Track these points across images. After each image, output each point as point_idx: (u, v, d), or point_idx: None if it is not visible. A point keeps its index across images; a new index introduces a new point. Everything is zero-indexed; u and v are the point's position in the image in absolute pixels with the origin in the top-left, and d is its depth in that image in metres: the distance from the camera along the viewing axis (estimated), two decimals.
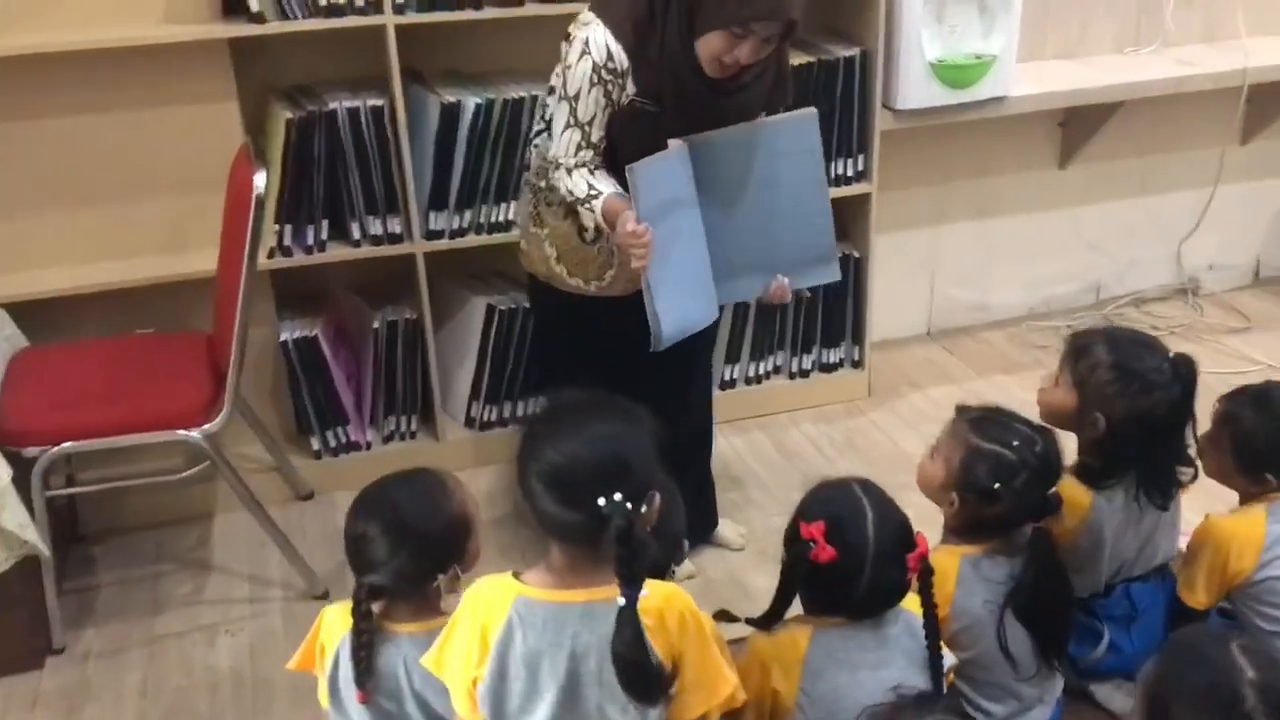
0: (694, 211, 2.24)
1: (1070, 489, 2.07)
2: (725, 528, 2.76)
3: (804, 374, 3.33)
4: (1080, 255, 3.86)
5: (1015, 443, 1.94)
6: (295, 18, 2.58)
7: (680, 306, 2.22)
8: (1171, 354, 2.10)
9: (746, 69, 2.15)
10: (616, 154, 2.24)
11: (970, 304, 3.78)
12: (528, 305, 2.96)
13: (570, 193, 2.24)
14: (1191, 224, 3.88)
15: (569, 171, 2.24)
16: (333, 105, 2.68)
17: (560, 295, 2.44)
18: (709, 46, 2.09)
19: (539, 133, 2.40)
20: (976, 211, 3.66)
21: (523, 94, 2.78)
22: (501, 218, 2.89)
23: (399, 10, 2.63)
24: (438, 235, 2.86)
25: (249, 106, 2.75)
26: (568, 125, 2.22)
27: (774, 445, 3.17)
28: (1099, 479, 2.10)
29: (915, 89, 3.00)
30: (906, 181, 3.44)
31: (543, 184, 2.36)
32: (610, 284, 2.38)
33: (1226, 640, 1.50)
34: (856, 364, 3.36)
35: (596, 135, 2.22)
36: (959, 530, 2.02)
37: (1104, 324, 2.20)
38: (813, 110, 2.27)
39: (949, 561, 1.97)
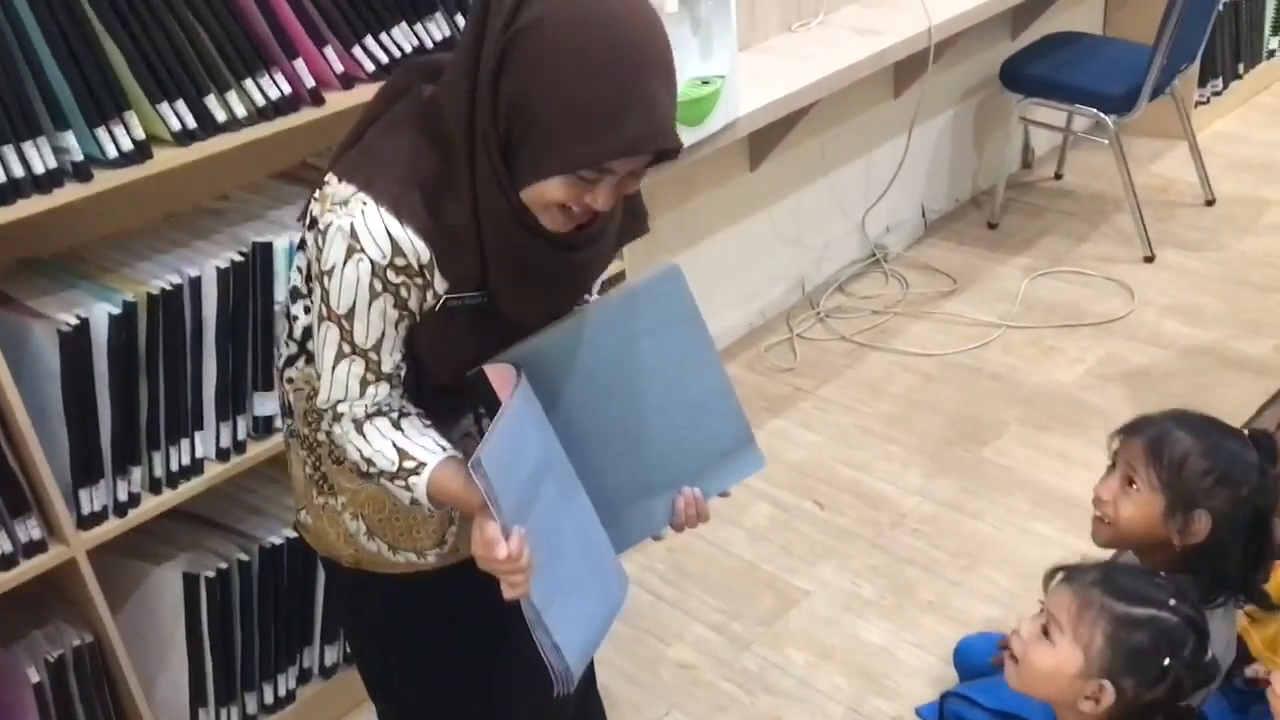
0: (558, 460, 1.48)
1: None
2: None
3: None
4: (782, 253, 3.50)
5: (1170, 600, 1.51)
6: None
7: (582, 616, 1.47)
8: (1247, 430, 1.76)
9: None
10: (420, 369, 1.46)
11: None
12: (243, 557, 2.09)
13: (367, 461, 1.43)
14: (863, 190, 3.64)
15: (358, 425, 1.42)
16: None
17: (383, 583, 1.62)
18: (543, 195, 1.32)
19: (290, 360, 1.54)
20: (685, 241, 3.16)
21: (174, 280, 1.86)
22: (186, 459, 1.96)
23: None
24: (98, 520, 1.87)
25: None
26: (341, 356, 1.39)
27: None
28: (1207, 595, 1.71)
29: None
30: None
31: (322, 435, 1.53)
32: (457, 546, 1.61)
33: None
34: None
35: (391, 362, 1.41)
36: None
37: (1161, 412, 1.80)
38: (674, 264, 1.53)
39: None
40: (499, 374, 1.42)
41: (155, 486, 1.93)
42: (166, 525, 2.12)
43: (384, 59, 2.00)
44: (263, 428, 2.05)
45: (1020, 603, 2.41)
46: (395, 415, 1.44)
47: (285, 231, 2.00)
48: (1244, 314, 3.34)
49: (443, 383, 1.47)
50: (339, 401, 1.42)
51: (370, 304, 1.36)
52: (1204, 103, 4.39)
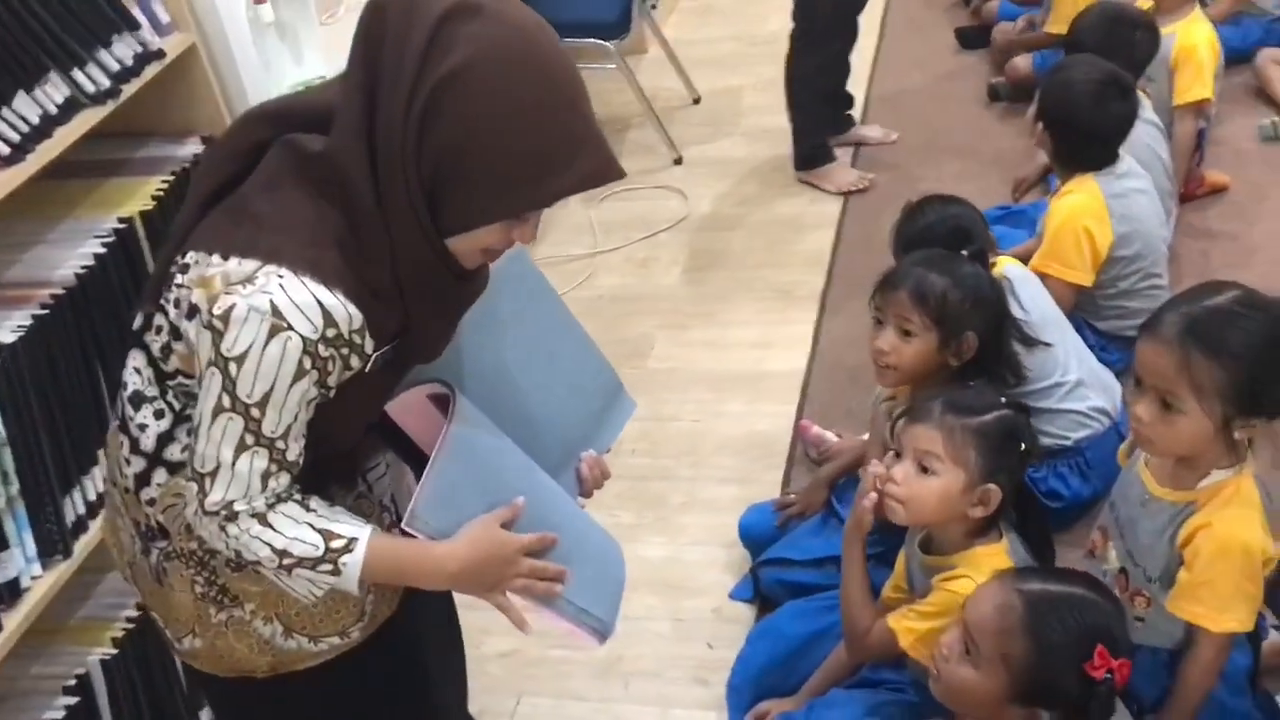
0: (516, 455, 1.47)
1: None
2: None
3: None
4: None
5: (1000, 399, 1.77)
6: None
7: (592, 580, 1.51)
8: (965, 252, 2.06)
9: None
10: (322, 443, 1.35)
11: None
12: None
13: (280, 553, 1.29)
14: None
15: (261, 518, 1.29)
16: None
17: (303, 681, 1.47)
18: (478, 241, 1.29)
19: (142, 480, 1.35)
20: None
21: None
22: None
23: None
24: None
25: None
26: (243, 449, 1.26)
27: None
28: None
29: None
30: None
31: (222, 549, 1.35)
32: (375, 613, 1.50)
33: None
34: None
35: (295, 450, 1.29)
36: (985, 529, 1.78)
37: (902, 262, 2.07)
38: (519, 247, 1.48)
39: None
40: (404, 407, 1.38)
41: None
42: None
43: (15, 136, 1.74)
44: (7, 595, 1.74)
45: (753, 470, 2.67)
46: (299, 498, 1.32)
47: None
48: (773, 184, 3.82)
49: (347, 447, 1.38)
50: (236, 499, 1.28)
51: (291, 386, 1.24)
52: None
